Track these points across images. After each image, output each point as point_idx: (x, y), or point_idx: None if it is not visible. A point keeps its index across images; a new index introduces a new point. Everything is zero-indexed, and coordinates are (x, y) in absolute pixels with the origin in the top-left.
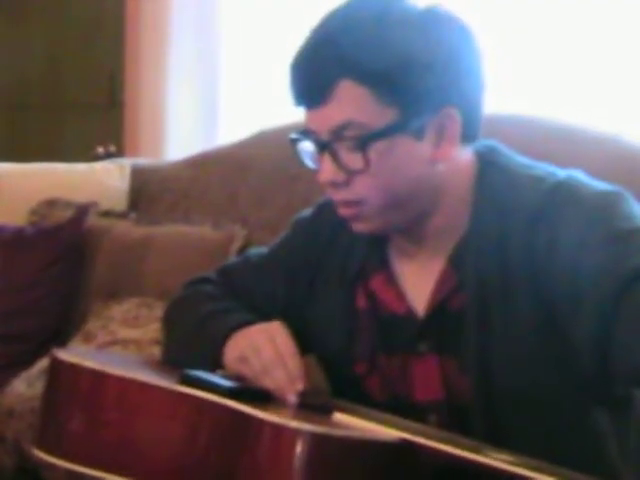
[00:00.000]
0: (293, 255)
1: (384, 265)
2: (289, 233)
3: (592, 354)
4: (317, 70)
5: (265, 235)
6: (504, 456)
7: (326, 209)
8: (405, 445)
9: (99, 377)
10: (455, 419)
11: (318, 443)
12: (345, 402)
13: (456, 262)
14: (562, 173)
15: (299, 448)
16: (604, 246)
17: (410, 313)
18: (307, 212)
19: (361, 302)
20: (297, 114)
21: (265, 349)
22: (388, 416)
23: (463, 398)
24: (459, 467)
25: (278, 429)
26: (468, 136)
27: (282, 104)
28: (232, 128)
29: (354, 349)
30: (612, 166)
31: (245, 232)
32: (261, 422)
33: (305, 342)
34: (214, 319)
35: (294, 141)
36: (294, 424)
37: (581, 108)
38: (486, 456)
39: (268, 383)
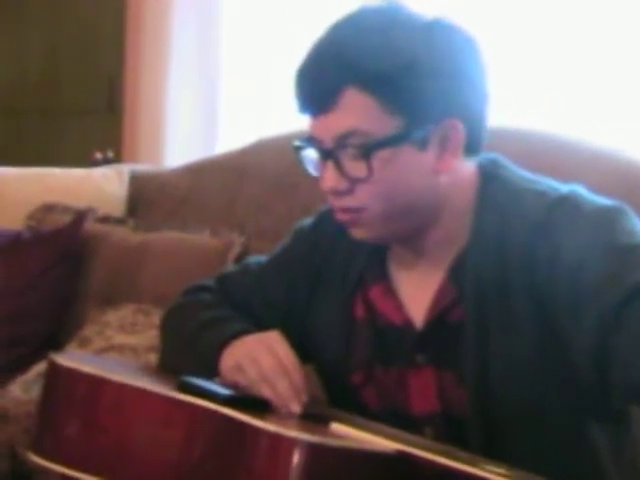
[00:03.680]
0: (293, 264)
1: (383, 275)
2: (289, 242)
3: (591, 368)
4: (323, 77)
5: (263, 243)
6: (500, 469)
7: (327, 218)
8: (401, 457)
9: (96, 382)
10: (451, 432)
11: (315, 453)
12: (342, 412)
13: (455, 274)
14: (564, 188)
15: (296, 457)
16: (605, 261)
17: (408, 324)
18: (308, 221)
19: (359, 312)
20: (297, 122)
21: (264, 359)
22: (385, 427)
23: (460, 411)
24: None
25: (275, 438)
26: (471, 148)
27: (282, 112)
28: (232, 135)
29: (351, 359)
30: (612, 180)
31: (243, 240)
32: (258, 431)
33: (303, 351)
34: (211, 327)
35: (297, 148)
36: (292, 433)
37: (582, 122)
38: (482, 469)
39: (267, 392)
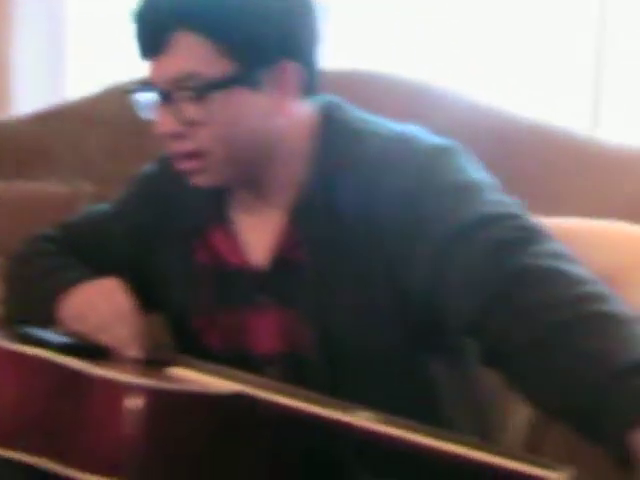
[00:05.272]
0: (135, 211)
1: (224, 219)
2: (131, 188)
3: (425, 304)
4: (154, 21)
5: (114, 191)
6: (342, 407)
7: (168, 163)
8: (240, 397)
9: None
10: (295, 371)
11: (152, 397)
12: (186, 357)
13: (296, 216)
14: (399, 127)
15: (133, 402)
16: (435, 198)
17: (250, 266)
18: (149, 167)
19: (201, 256)
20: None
21: (101, 306)
22: (227, 369)
23: (303, 350)
24: (299, 419)
25: (110, 384)
26: (307, 90)
27: (132, 58)
28: (80, 83)
29: (195, 304)
30: (455, 123)
31: (93, 188)
32: (93, 378)
33: (148, 297)
34: (52, 276)
35: (134, 92)
36: (126, 379)
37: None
38: (322, 407)
39: (106, 339)
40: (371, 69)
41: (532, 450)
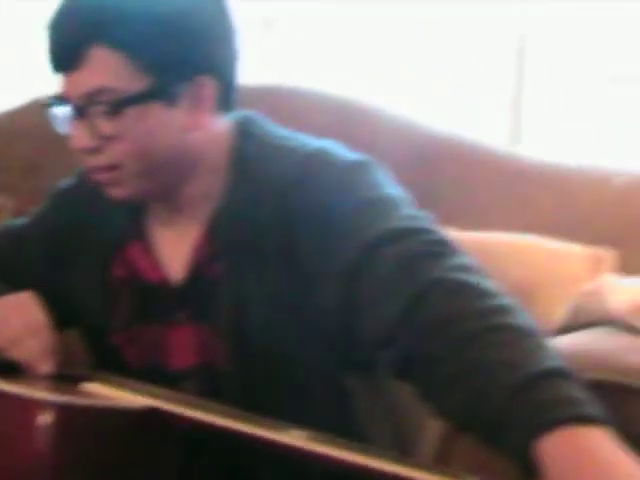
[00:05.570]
0: (51, 224)
1: (141, 234)
2: (48, 202)
3: (338, 321)
4: (69, 35)
5: (34, 206)
6: (263, 423)
7: (86, 177)
8: (153, 412)
9: None
10: (211, 386)
11: (61, 414)
12: (102, 373)
13: (212, 230)
14: (315, 143)
15: (42, 419)
16: (350, 214)
17: (166, 282)
18: (67, 181)
19: (118, 272)
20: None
21: (14, 320)
22: (144, 385)
23: (218, 364)
24: (213, 434)
25: (19, 401)
26: (224, 105)
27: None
28: (2, 97)
29: (112, 319)
30: (377, 139)
31: (14, 202)
32: (2, 394)
33: (65, 313)
34: None
35: (50, 106)
36: (35, 395)
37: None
38: (233, 420)
39: (17, 355)
40: (295, 84)
41: (443, 461)
